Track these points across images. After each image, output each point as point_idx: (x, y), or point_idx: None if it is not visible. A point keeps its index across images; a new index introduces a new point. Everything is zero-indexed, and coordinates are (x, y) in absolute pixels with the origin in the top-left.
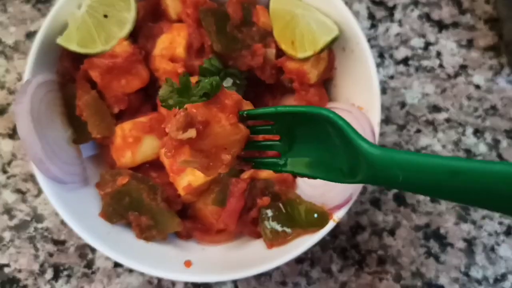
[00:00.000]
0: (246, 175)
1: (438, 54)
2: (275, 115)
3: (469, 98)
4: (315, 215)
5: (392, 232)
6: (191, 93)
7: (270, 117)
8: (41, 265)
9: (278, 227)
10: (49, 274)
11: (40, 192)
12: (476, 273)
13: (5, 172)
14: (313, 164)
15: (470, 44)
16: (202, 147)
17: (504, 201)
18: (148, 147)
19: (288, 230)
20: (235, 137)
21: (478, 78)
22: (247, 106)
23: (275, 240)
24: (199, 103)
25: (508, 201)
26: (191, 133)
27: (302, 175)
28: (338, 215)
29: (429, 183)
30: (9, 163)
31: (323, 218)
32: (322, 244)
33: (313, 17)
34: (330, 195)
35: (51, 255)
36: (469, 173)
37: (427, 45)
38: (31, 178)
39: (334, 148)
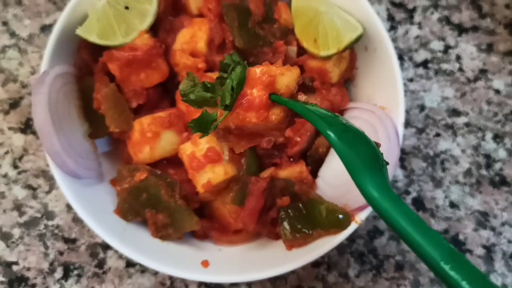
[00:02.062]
0: (266, 174)
1: (458, 58)
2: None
3: (489, 102)
4: (337, 216)
5: None
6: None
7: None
8: (51, 264)
9: (299, 228)
10: (58, 273)
11: (51, 188)
12: (495, 280)
13: (16, 167)
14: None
15: (490, 48)
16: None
17: None
18: (167, 142)
19: (308, 231)
20: (271, 125)
21: (498, 82)
22: (281, 75)
23: (295, 241)
24: (226, 116)
25: None
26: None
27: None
28: (360, 217)
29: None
30: (20, 158)
31: (345, 219)
32: (339, 248)
33: (337, 14)
34: (352, 196)
35: (61, 253)
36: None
37: (447, 48)
38: (43, 174)
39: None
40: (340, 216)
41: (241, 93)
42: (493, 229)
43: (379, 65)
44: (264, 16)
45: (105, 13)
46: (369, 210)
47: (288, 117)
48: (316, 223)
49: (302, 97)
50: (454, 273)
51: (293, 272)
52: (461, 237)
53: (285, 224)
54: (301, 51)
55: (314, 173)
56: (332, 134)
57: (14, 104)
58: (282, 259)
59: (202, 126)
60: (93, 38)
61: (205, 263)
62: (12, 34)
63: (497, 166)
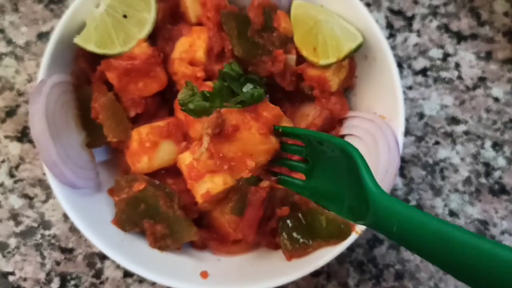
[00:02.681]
0: (265, 183)
1: (457, 66)
2: (307, 137)
3: (488, 110)
4: (337, 226)
5: None
6: (224, 98)
7: (303, 138)
8: (48, 274)
9: (298, 238)
10: (55, 283)
11: (48, 197)
12: None
13: (12, 176)
14: (329, 196)
15: (488, 56)
16: (229, 150)
17: (489, 282)
18: (166, 152)
19: (308, 241)
20: (263, 147)
21: (497, 90)
22: (287, 123)
23: (295, 251)
24: (233, 108)
25: (493, 282)
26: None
27: (319, 204)
28: (360, 227)
29: (419, 242)
30: (16, 167)
31: (345, 229)
32: (339, 257)
33: (336, 23)
34: None
35: (58, 263)
36: (456, 245)
37: (446, 56)
38: (39, 183)
39: (348, 186)
40: (339, 226)
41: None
42: (492, 237)
43: (379, 74)
44: (263, 25)
45: (103, 22)
46: None
47: (276, 153)
48: (316, 234)
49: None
50: None
51: (292, 282)
52: None
53: (285, 235)
54: (300, 59)
55: None
56: (349, 146)
57: (11, 112)
58: (282, 269)
59: (213, 96)
60: (91, 47)
61: (204, 274)
62: (9, 42)
63: (497, 174)
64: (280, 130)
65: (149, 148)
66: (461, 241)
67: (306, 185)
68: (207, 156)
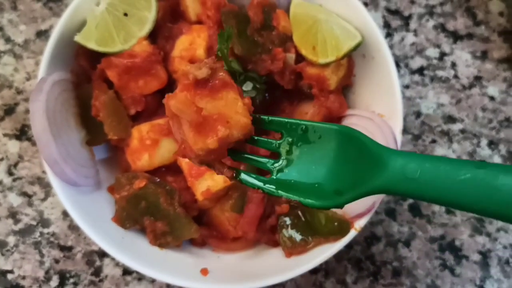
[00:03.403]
0: None
1: (453, 65)
2: (287, 125)
3: (483, 109)
4: (336, 224)
5: (407, 243)
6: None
7: (282, 126)
8: (46, 272)
9: (297, 235)
10: (54, 281)
11: (47, 195)
12: (491, 286)
13: (11, 174)
14: (304, 187)
15: (484, 55)
16: (207, 104)
17: None
18: (166, 150)
19: (307, 238)
20: (243, 119)
21: (493, 89)
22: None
23: (294, 248)
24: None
25: None
26: (205, 72)
27: (288, 198)
28: (359, 224)
29: (446, 181)
30: (15, 165)
31: (344, 226)
32: (337, 254)
33: (336, 22)
34: (351, 204)
35: (57, 261)
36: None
37: (442, 55)
38: (38, 181)
39: (339, 168)
40: (338, 223)
41: None
42: (488, 235)
43: (377, 73)
44: (263, 23)
45: (104, 20)
46: (368, 217)
47: (248, 135)
48: (315, 231)
49: None
50: None
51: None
52: (457, 243)
53: (284, 232)
54: (299, 58)
55: None
56: (344, 127)
57: (9, 110)
58: (281, 266)
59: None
60: (92, 45)
61: (204, 271)
62: (7, 40)
63: None
64: (258, 116)
65: (150, 145)
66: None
67: (270, 180)
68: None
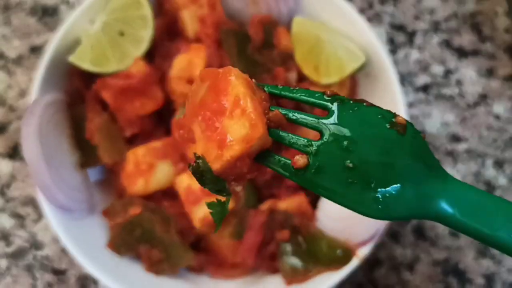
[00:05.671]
0: (265, 206)
1: (458, 83)
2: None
3: (488, 128)
4: (338, 251)
5: (410, 267)
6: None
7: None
8: None
9: (298, 263)
10: None
11: (40, 217)
12: None
13: (3, 194)
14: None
15: (490, 73)
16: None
17: None
18: (163, 174)
19: (308, 266)
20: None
21: (498, 108)
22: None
23: (295, 276)
24: None
25: None
26: None
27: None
28: (363, 252)
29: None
30: (8, 186)
31: (347, 254)
32: None
33: (339, 42)
34: (354, 230)
35: (50, 285)
36: None
37: (447, 72)
38: (31, 202)
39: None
40: (340, 251)
41: None
42: (493, 257)
43: (381, 93)
44: (264, 42)
45: (99, 40)
46: (372, 244)
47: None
48: (316, 259)
49: None
50: None
51: None
52: (461, 266)
53: (285, 259)
54: (301, 76)
55: (314, 202)
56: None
57: (2, 129)
58: None
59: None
60: (87, 66)
61: None
62: (1, 56)
63: (498, 193)
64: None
65: (145, 170)
66: None
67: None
68: None
